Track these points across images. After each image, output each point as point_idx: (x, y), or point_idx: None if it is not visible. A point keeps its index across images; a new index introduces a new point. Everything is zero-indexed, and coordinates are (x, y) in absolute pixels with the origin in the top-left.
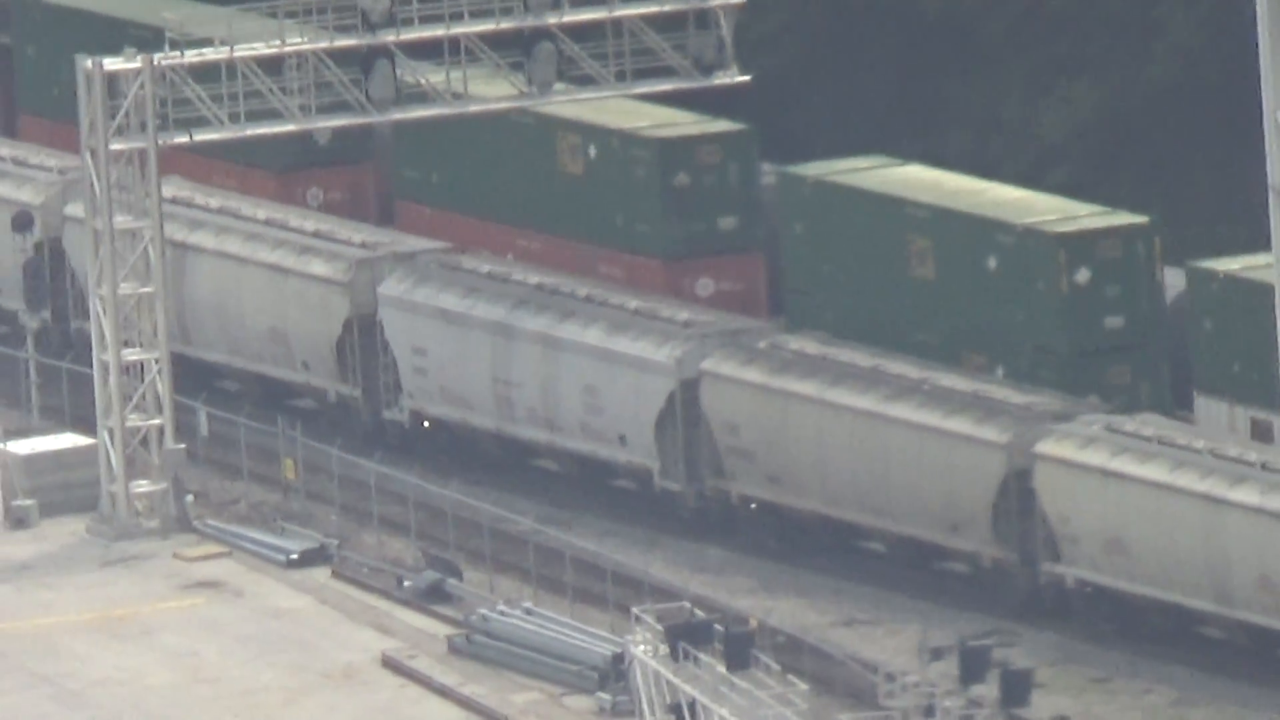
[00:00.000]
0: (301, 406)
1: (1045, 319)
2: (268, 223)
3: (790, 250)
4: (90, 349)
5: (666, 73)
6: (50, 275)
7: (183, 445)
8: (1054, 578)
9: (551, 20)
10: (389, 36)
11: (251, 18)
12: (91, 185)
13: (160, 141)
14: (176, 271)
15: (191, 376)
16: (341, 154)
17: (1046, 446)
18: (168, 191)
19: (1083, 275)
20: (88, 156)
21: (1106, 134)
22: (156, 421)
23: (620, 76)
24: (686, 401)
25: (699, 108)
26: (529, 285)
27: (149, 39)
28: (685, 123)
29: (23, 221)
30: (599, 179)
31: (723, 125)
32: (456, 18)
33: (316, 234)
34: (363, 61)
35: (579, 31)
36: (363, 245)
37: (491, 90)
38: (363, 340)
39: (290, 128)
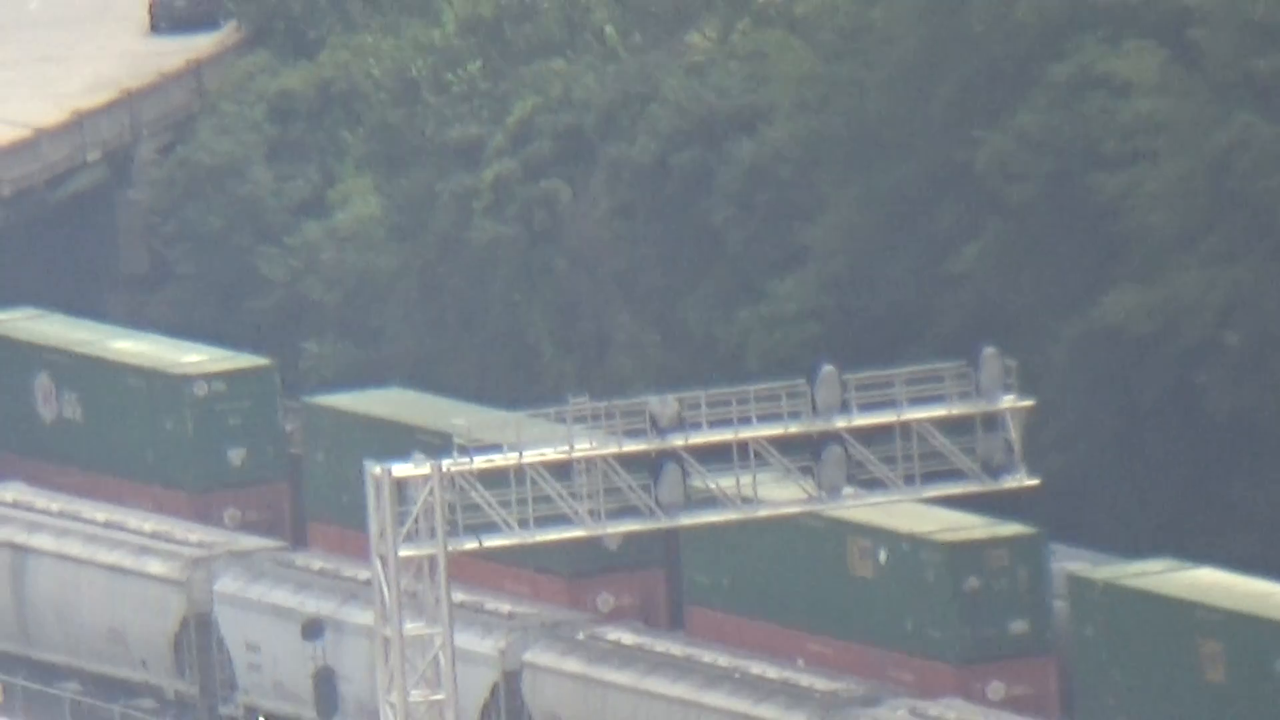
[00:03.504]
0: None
1: None
2: (107, 524)
3: (1080, 654)
4: None
5: (955, 476)
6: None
7: None
8: None
9: (840, 424)
10: (678, 441)
11: (539, 423)
12: (381, 592)
13: (450, 548)
14: (16, 573)
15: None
16: (631, 559)
17: None
18: (8, 495)
19: None
20: (377, 563)
21: None
22: None
23: (909, 480)
24: (510, 692)
25: (988, 510)
26: (357, 581)
27: (437, 445)
28: (974, 526)
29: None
30: (889, 583)
31: (1012, 529)
32: (745, 422)
33: (154, 534)
34: (651, 466)
35: (867, 435)
36: (199, 544)
37: (781, 494)
38: (199, 637)
39: (580, 533)
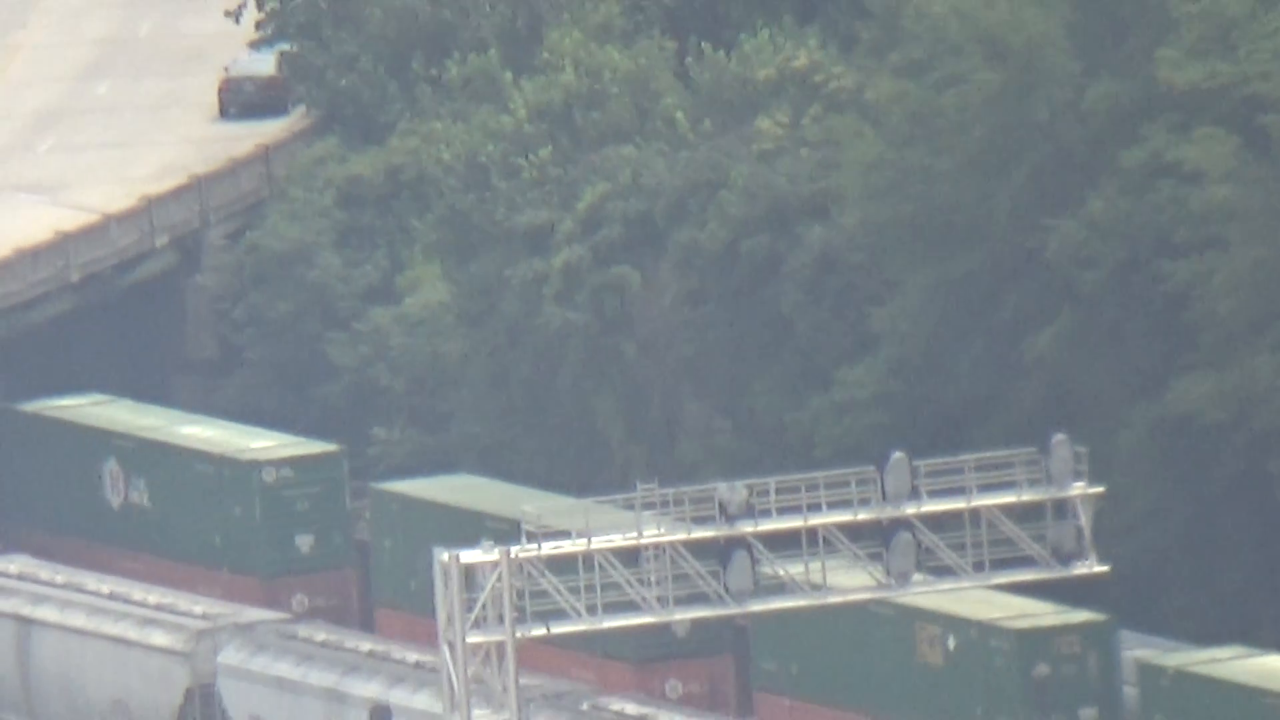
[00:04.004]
0: None
1: None
2: (111, 596)
3: None
4: None
5: (1025, 562)
6: None
7: None
8: None
9: (910, 510)
10: (747, 528)
11: (608, 509)
12: (449, 679)
13: (518, 634)
14: (21, 645)
15: None
16: (700, 646)
17: None
18: (12, 567)
19: None
20: (445, 650)
21: None
22: None
23: (979, 566)
24: None
25: (1058, 597)
26: (360, 652)
27: (505, 531)
28: (1044, 613)
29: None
30: (959, 670)
31: (1082, 615)
32: (814, 508)
33: (159, 606)
34: (720, 553)
35: (937, 521)
36: (203, 616)
37: (850, 581)
38: (203, 709)
39: (648, 620)
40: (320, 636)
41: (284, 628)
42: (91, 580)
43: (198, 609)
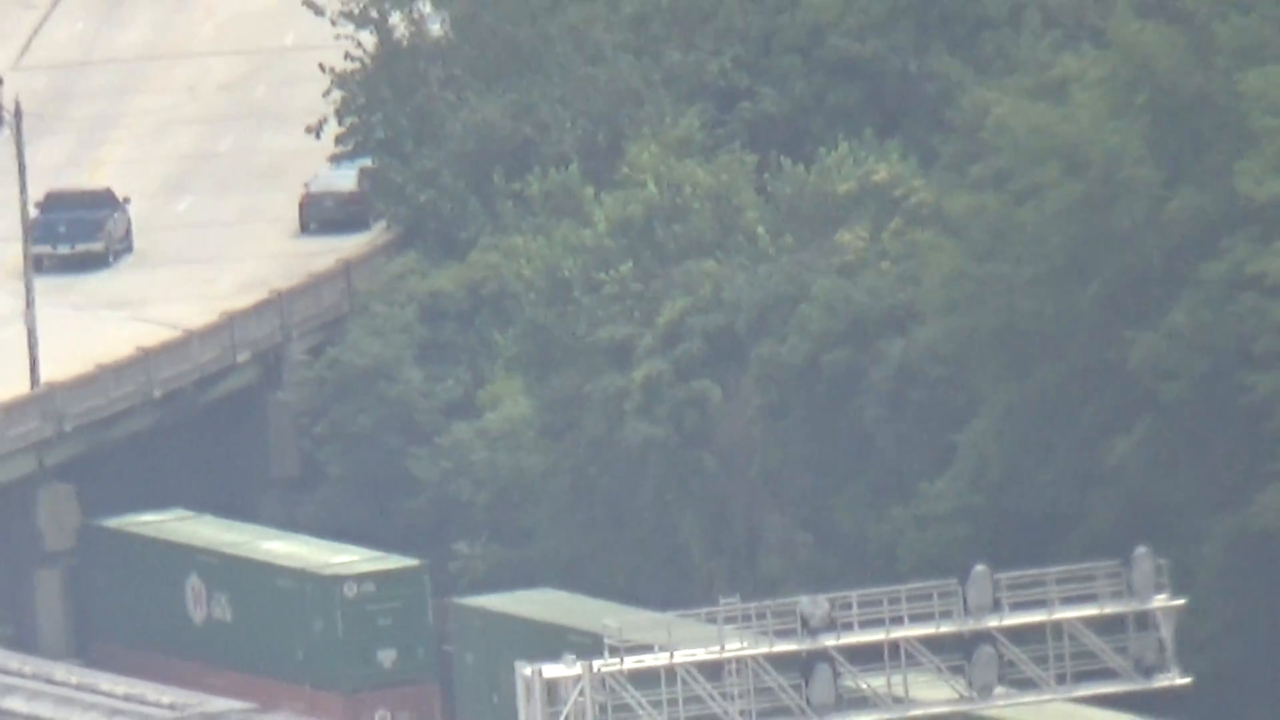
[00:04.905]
0: None
1: None
2: (79, 687)
3: None
4: None
5: (1107, 675)
6: None
7: None
8: None
9: (992, 623)
10: (829, 641)
11: (690, 623)
12: None
13: None
14: None
15: None
16: None
17: None
18: None
19: None
20: None
21: None
22: None
23: (1061, 679)
24: None
25: (1140, 709)
26: None
27: (588, 645)
28: None
29: None
30: None
31: None
32: (896, 621)
33: (126, 696)
34: (803, 666)
35: (1019, 634)
36: (170, 706)
37: (932, 694)
38: None
39: None
40: None
41: (251, 718)
42: (60, 670)
43: (165, 699)
